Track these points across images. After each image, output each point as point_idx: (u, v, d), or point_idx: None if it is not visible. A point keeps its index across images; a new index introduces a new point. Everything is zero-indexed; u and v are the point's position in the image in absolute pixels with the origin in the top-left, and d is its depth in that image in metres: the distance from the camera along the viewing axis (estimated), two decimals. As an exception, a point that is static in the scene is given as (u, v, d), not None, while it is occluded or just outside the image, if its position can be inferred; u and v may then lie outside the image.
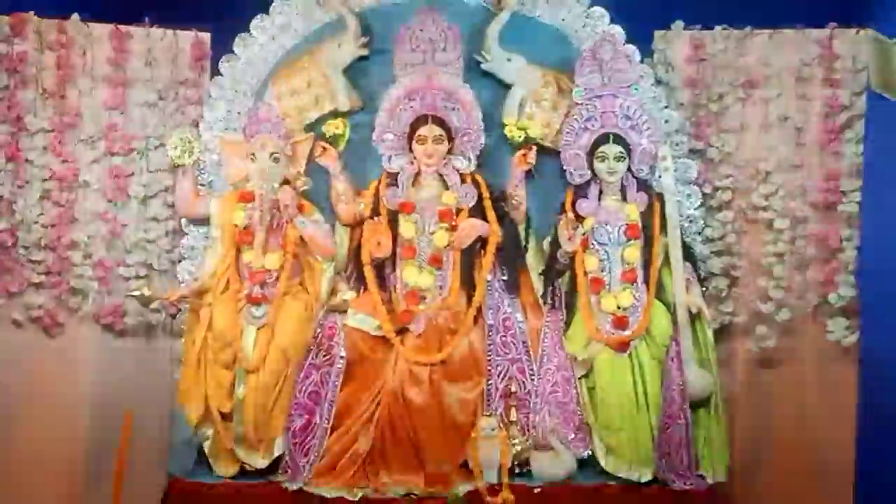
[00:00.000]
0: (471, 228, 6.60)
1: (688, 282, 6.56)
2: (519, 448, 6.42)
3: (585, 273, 6.59)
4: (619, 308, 6.51)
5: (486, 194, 6.70)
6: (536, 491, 6.31)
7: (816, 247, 6.99)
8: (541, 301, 6.71)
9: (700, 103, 7.10)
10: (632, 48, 6.87)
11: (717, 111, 7.09)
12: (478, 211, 6.66)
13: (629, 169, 6.69)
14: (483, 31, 6.96)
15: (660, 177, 6.68)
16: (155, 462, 6.75)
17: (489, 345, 6.54)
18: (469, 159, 6.74)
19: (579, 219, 6.63)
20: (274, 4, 7.03)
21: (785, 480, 6.95)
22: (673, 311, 6.53)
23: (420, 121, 6.69)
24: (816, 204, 7.01)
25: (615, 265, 6.58)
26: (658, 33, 7.15)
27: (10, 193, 6.93)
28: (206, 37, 7.16)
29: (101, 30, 7.08)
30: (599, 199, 6.69)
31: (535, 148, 6.69)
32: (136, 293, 6.58)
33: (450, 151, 6.71)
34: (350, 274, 6.73)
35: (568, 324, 6.62)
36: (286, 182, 6.64)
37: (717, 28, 7.10)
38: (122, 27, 7.09)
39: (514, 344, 6.59)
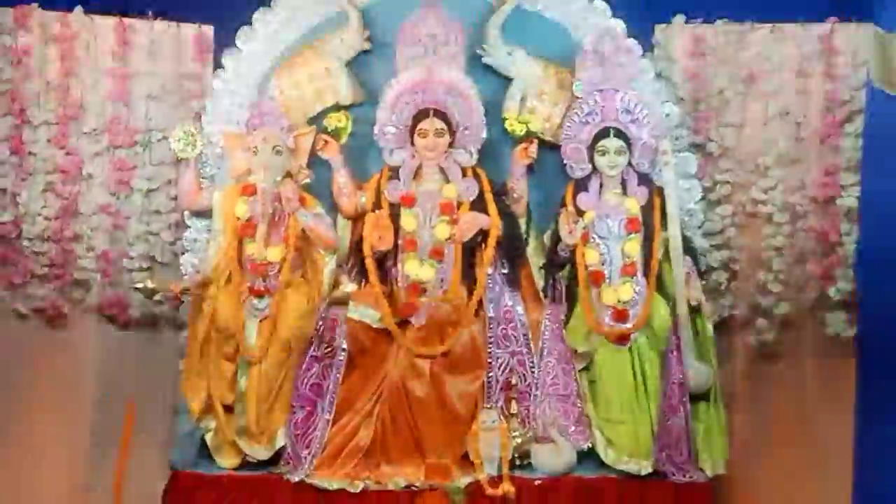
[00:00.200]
0: (472, 222, 6.61)
1: (688, 275, 6.59)
2: (519, 440, 6.43)
3: (586, 266, 6.60)
4: (619, 301, 6.52)
5: (487, 188, 6.70)
6: (537, 483, 6.33)
7: (815, 241, 7.01)
8: (541, 294, 6.74)
9: (700, 98, 7.12)
10: (633, 42, 6.89)
11: (718, 105, 7.11)
12: (479, 204, 6.67)
13: (630, 163, 6.69)
14: (484, 25, 6.97)
15: (660, 171, 6.71)
16: (157, 453, 6.77)
17: (490, 337, 6.56)
18: (470, 153, 6.75)
19: (580, 212, 6.63)
20: (277, -3, 7.05)
21: (784, 473, 6.96)
22: (673, 304, 6.56)
23: (421, 114, 6.69)
24: (816, 198, 7.02)
25: (615, 259, 6.60)
26: (659, 27, 7.17)
27: (13, 185, 6.95)
28: (209, 30, 7.19)
29: (105, 22, 7.10)
30: (600, 193, 6.69)
31: (535, 141, 6.70)
32: (140, 285, 6.60)
33: (451, 145, 6.72)
34: (351, 267, 6.74)
35: (568, 317, 6.63)
36: (288, 175, 6.66)
37: (718, 22, 7.11)
38: (126, 20, 7.11)
39: (515, 337, 6.61)
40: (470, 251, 6.64)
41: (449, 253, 6.60)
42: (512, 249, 6.73)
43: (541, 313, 6.66)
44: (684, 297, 6.54)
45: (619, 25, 6.93)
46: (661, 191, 6.66)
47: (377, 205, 6.68)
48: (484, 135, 6.77)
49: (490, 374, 6.53)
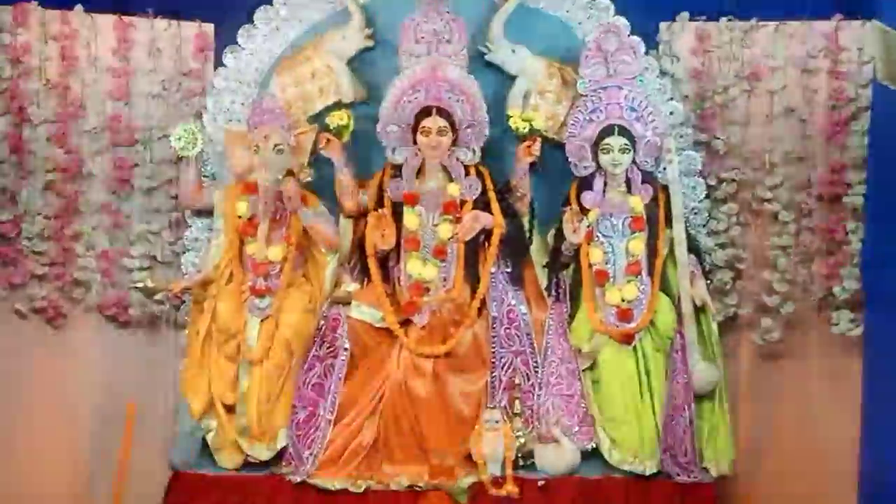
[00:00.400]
0: (475, 220, 6.58)
1: (692, 274, 6.58)
2: (523, 440, 6.40)
3: (590, 265, 6.59)
4: (623, 300, 6.51)
5: (490, 186, 6.68)
6: (540, 483, 6.31)
7: (821, 239, 6.97)
8: (545, 293, 6.70)
9: (705, 95, 7.08)
10: (637, 40, 6.86)
11: (723, 103, 7.07)
12: (482, 203, 6.64)
13: (634, 161, 6.67)
14: (487, 23, 6.94)
15: (664, 169, 6.69)
16: (158, 454, 6.72)
17: (493, 337, 6.53)
18: (473, 151, 6.72)
19: (584, 211, 6.62)
20: (278, -5, 7.02)
21: (789, 473, 6.92)
22: (677, 303, 6.54)
23: (424, 112, 6.66)
24: (821, 196, 6.98)
25: (620, 257, 6.58)
26: (663, 25, 7.13)
27: (13, 184, 6.91)
28: (210, 27, 7.16)
29: (105, 20, 7.07)
30: (604, 192, 6.67)
31: (539, 140, 6.66)
32: (140, 285, 6.62)
33: (454, 143, 6.69)
34: (354, 266, 6.72)
35: (572, 316, 6.62)
36: (290, 173, 6.61)
37: (723, 20, 7.07)
38: (126, 18, 7.08)
39: (518, 336, 6.57)
40: (473, 250, 6.61)
41: (452, 252, 6.57)
42: (515, 248, 6.70)
43: (544, 312, 6.63)
44: (689, 296, 6.51)
45: (623, 22, 6.90)
46: (665, 189, 6.64)
47: (379, 203, 6.65)
48: (487, 133, 6.74)
49: (493, 374, 6.50)
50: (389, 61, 6.90)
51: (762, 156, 7.04)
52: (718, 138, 7.05)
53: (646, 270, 6.56)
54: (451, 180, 6.66)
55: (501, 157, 6.85)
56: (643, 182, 6.65)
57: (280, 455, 6.43)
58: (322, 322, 6.51)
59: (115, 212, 7.04)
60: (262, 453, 6.42)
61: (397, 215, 6.59)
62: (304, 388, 6.44)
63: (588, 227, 6.58)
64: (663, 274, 6.59)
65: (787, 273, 6.99)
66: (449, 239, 6.56)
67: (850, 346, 6.87)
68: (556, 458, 6.39)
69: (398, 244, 6.59)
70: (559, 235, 6.64)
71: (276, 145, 6.60)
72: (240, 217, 6.57)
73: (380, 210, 6.60)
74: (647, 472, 6.36)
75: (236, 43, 6.99)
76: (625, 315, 6.49)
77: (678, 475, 6.37)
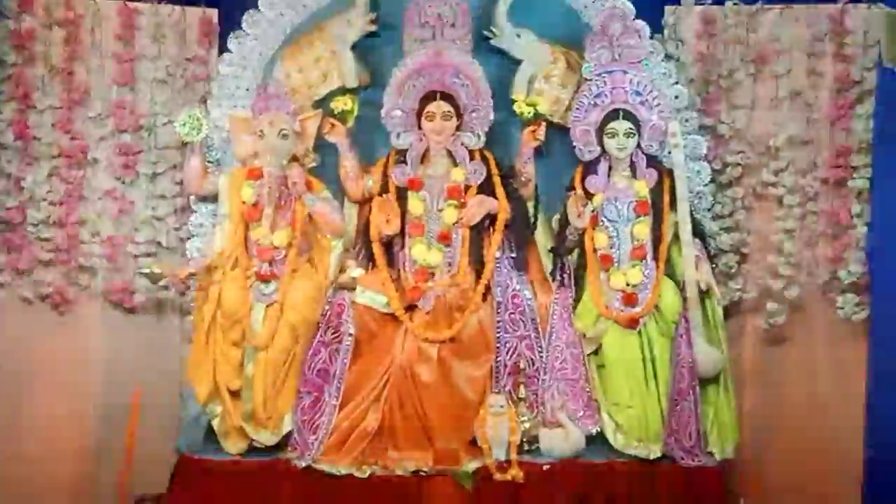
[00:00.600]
0: (479, 205, 6.59)
1: (697, 258, 6.55)
2: (528, 425, 6.41)
3: (595, 250, 6.59)
4: (628, 285, 6.51)
5: (494, 171, 6.68)
6: (545, 468, 6.31)
7: (826, 223, 6.97)
8: (549, 278, 6.70)
9: (710, 79, 7.07)
10: (642, 24, 6.84)
11: (728, 87, 7.07)
12: (487, 188, 6.64)
13: (639, 145, 6.67)
14: (492, 7, 6.93)
15: (669, 153, 6.66)
16: (164, 439, 6.72)
17: (498, 322, 6.53)
18: (478, 136, 6.72)
19: (588, 195, 6.62)
20: (282, -20, 7.02)
21: (794, 456, 6.94)
22: (682, 287, 6.53)
23: (429, 97, 6.67)
24: (827, 180, 6.98)
25: (624, 242, 6.58)
26: (668, 9, 7.13)
27: (18, 171, 6.92)
28: (214, 13, 7.16)
29: (109, 6, 7.07)
30: (609, 176, 6.67)
31: (544, 124, 6.66)
32: (145, 270, 6.58)
33: (458, 128, 6.69)
34: (359, 251, 6.71)
35: (577, 301, 6.60)
36: (294, 159, 6.63)
37: (728, 3, 7.06)
38: (130, 3, 7.08)
39: (523, 321, 6.56)
40: (478, 235, 6.61)
41: (456, 237, 6.58)
42: (520, 233, 6.70)
43: (549, 297, 6.62)
44: (694, 280, 6.49)
45: (628, 6, 6.88)
46: (670, 173, 6.62)
47: (384, 188, 6.66)
48: (492, 117, 6.74)
49: (498, 359, 6.51)
50: (394, 46, 6.91)
51: (767, 140, 7.04)
52: (723, 122, 7.06)
53: (650, 255, 6.56)
54: (455, 165, 6.67)
55: (506, 141, 6.85)
56: (648, 166, 6.65)
57: (285, 440, 6.43)
58: (327, 307, 6.51)
59: (121, 198, 7.05)
60: (268, 438, 6.42)
61: (402, 200, 6.60)
62: (310, 373, 6.44)
63: (593, 211, 6.58)
64: (668, 258, 6.59)
65: (792, 257, 7.00)
66: (454, 224, 6.57)
67: (855, 329, 6.89)
68: (561, 442, 6.39)
69: (403, 229, 6.59)
70: (564, 220, 6.64)
71: (280, 131, 6.59)
72: (244, 202, 6.55)
73: (384, 195, 6.61)
74: (652, 457, 6.37)
75: (241, 28, 6.98)
76: (629, 299, 6.49)
77: (683, 459, 6.37)
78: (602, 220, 6.61)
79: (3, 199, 6.89)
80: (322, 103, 6.87)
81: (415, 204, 6.60)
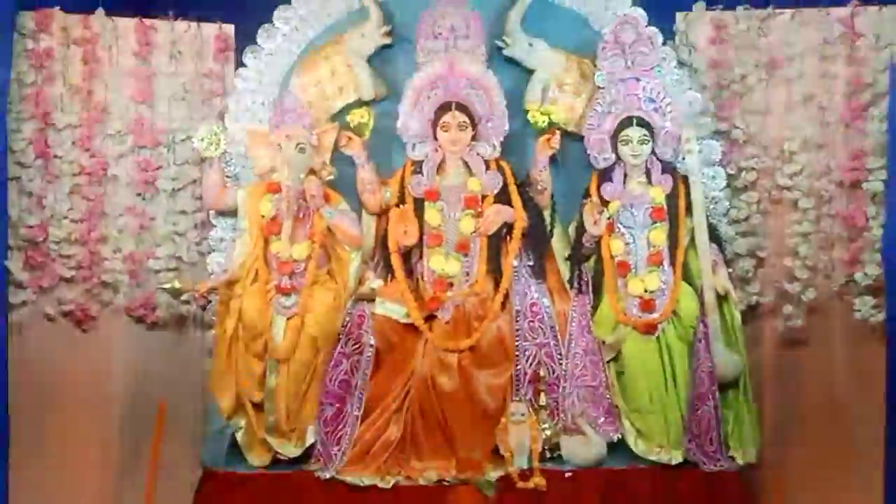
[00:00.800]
0: (496, 214, 6.61)
1: (714, 263, 6.58)
2: (549, 433, 6.43)
3: (612, 257, 6.61)
4: (645, 291, 6.53)
5: (510, 180, 6.70)
6: (567, 475, 6.35)
7: (842, 226, 6.98)
8: (567, 286, 6.72)
9: (723, 84, 7.11)
10: (654, 31, 6.87)
11: (741, 92, 7.09)
12: (503, 197, 6.67)
13: (653, 152, 6.69)
14: (505, 17, 6.96)
15: (684, 159, 6.70)
16: (188, 453, 6.79)
17: (517, 330, 6.55)
18: (493, 145, 6.75)
19: (604, 203, 6.65)
20: (296, -6, 7.05)
21: (815, 460, 6.94)
22: (700, 292, 6.55)
23: (444, 108, 6.70)
24: (842, 182, 6.99)
25: (641, 248, 6.60)
26: (680, 15, 7.16)
27: (39, 189, 6.97)
28: (230, 28, 7.21)
29: (126, 23, 7.12)
30: (624, 183, 6.70)
31: (558, 133, 6.67)
32: (167, 286, 6.62)
33: (474, 138, 6.72)
34: (377, 262, 6.75)
35: (595, 308, 6.63)
36: (312, 172, 6.65)
37: (739, 8, 7.10)
38: (147, 20, 7.13)
39: (542, 329, 6.59)
40: (495, 244, 6.64)
41: (474, 246, 6.61)
42: (537, 241, 6.73)
43: (567, 305, 6.64)
44: (711, 285, 6.52)
45: (640, 14, 6.91)
46: (685, 179, 6.65)
47: (401, 200, 6.69)
48: (506, 127, 6.77)
49: (518, 367, 6.53)
50: (408, 58, 6.94)
51: (781, 144, 7.06)
52: (737, 127, 7.08)
53: (667, 260, 6.58)
54: (471, 175, 6.70)
55: (521, 151, 6.88)
56: (663, 172, 6.67)
57: (308, 452, 6.47)
58: (347, 319, 6.54)
59: (141, 214, 7.10)
60: (291, 450, 6.46)
61: (419, 211, 6.63)
62: (331, 384, 6.47)
63: (609, 218, 6.60)
64: (685, 263, 6.61)
65: (808, 260, 7.01)
66: (471, 233, 6.60)
67: (872, 331, 6.88)
68: (583, 449, 6.42)
69: (421, 240, 6.62)
70: (580, 228, 6.67)
71: (297, 144, 6.62)
72: (263, 216, 6.59)
73: (402, 206, 6.64)
74: (673, 462, 6.40)
75: (256, 43, 7.03)
76: (647, 305, 6.52)
77: (704, 464, 6.40)
78: (618, 227, 6.64)
79: (25, 218, 6.94)
80: (338, 116, 6.91)
81: (432, 214, 6.63)
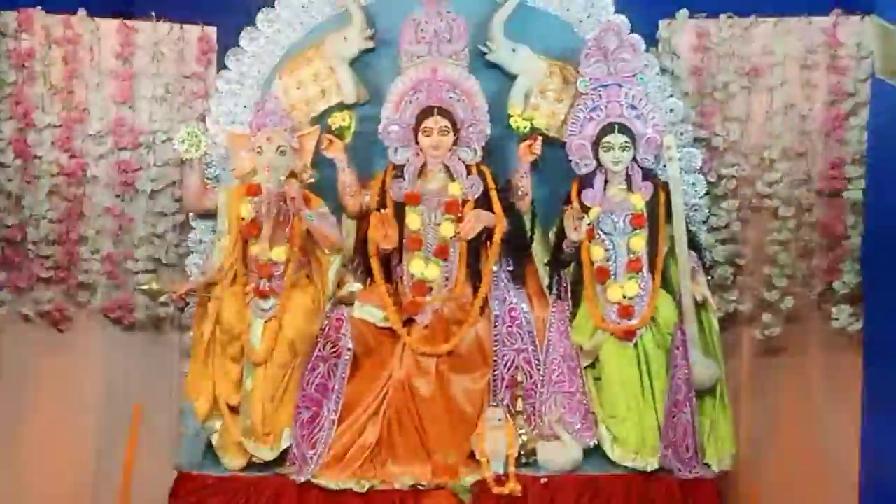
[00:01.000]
0: (477, 219, 6.60)
1: (693, 270, 6.58)
2: (525, 438, 6.43)
3: (591, 263, 6.60)
4: (624, 297, 6.53)
5: (491, 185, 6.69)
6: (543, 481, 6.32)
7: (821, 234, 6.98)
8: (546, 291, 6.72)
9: (705, 92, 7.10)
10: (636, 37, 6.86)
11: (722, 100, 7.09)
12: (484, 202, 6.66)
13: (634, 158, 6.69)
14: (488, 22, 6.95)
15: (665, 166, 6.69)
16: (163, 455, 6.75)
17: (495, 335, 6.55)
18: (475, 150, 6.74)
19: (585, 209, 6.63)
20: (279, -3, 7.05)
21: (791, 467, 6.96)
22: (678, 299, 6.55)
23: (426, 112, 6.69)
24: (821, 191, 7.00)
25: (621, 255, 6.60)
26: (662, 22, 7.15)
27: (18, 189, 6.95)
28: (213, 30, 7.19)
29: (108, 24, 7.10)
30: (605, 189, 6.69)
31: (540, 138, 6.68)
32: (145, 287, 6.62)
33: (455, 143, 6.71)
34: (357, 266, 6.75)
35: (574, 314, 6.64)
36: (293, 175, 6.63)
37: (722, 16, 7.09)
38: (129, 21, 7.12)
39: (520, 334, 6.59)
40: (475, 249, 6.63)
41: (454, 251, 6.60)
42: (517, 247, 6.73)
43: (546, 310, 6.64)
44: (690, 292, 6.52)
45: (623, 21, 6.90)
46: (665, 186, 6.64)
47: (382, 204, 6.67)
48: (488, 132, 6.76)
49: (496, 372, 6.53)
50: (391, 62, 6.93)
51: (762, 152, 7.06)
52: (718, 135, 7.08)
53: (647, 267, 6.58)
54: (452, 180, 6.68)
55: (503, 156, 6.88)
56: (644, 179, 6.67)
57: (284, 455, 6.45)
58: (325, 322, 6.54)
59: (120, 215, 7.07)
60: (267, 454, 6.44)
61: (399, 215, 6.62)
62: (308, 388, 6.46)
63: (589, 225, 6.59)
64: (664, 270, 6.61)
65: (787, 268, 7.02)
66: (451, 238, 6.59)
67: (850, 340, 6.88)
68: (559, 455, 6.41)
69: (401, 244, 6.61)
70: (560, 234, 6.66)
71: (278, 147, 6.62)
72: (243, 219, 6.58)
73: (382, 210, 6.62)
74: (649, 469, 6.38)
75: (239, 45, 7.02)
76: (626, 312, 6.51)
77: (680, 471, 6.38)
78: (598, 234, 6.63)
79: (4, 217, 6.92)
80: (320, 119, 6.90)
81: (412, 219, 6.62)
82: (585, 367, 6.56)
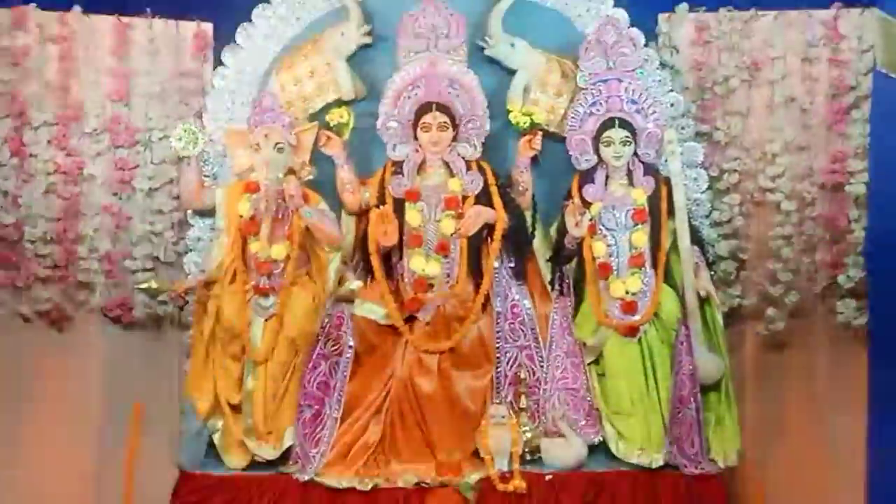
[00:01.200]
0: (477, 215, 6.58)
1: (696, 266, 6.57)
2: (529, 435, 6.42)
3: (593, 258, 6.58)
4: (627, 293, 6.51)
5: (491, 181, 6.67)
6: (548, 478, 6.31)
7: (824, 228, 6.97)
8: (548, 287, 6.71)
9: (705, 86, 7.09)
10: (636, 32, 6.87)
11: (723, 94, 7.08)
12: (484, 198, 6.64)
13: (635, 153, 6.68)
14: (486, 17, 6.92)
15: (666, 160, 6.67)
16: (165, 454, 6.72)
17: (497, 332, 6.55)
18: (474, 146, 6.72)
19: (586, 204, 6.62)
20: (276, -7, 7.01)
21: (796, 462, 6.95)
22: (681, 295, 6.53)
23: (424, 108, 6.66)
24: (824, 185, 6.99)
25: (623, 250, 6.58)
26: (662, 16, 7.15)
27: (15, 188, 6.91)
28: (209, 27, 7.15)
29: (103, 21, 7.07)
30: (606, 184, 6.67)
31: (540, 133, 6.68)
32: (143, 286, 6.61)
33: (455, 138, 6.69)
34: (357, 263, 6.71)
35: (576, 310, 6.62)
36: (291, 172, 6.62)
37: (722, 10, 7.09)
38: (124, 18, 7.08)
39: (523, 331, 6.59)
40: (476, 245, 6.61)
41: (455, 247, 6.58)
42: (518, 243, 6.71)
43: (548, 307, 6.65)
44: (693, 287, 6.50)
45: (623, 15, 6.91)
46: (667, 181, 6.63)
47: (381, 200, 6.65)
48: (487, 127, 6.75)
49: (498, 369, 6.53)
50: (388, 58, 6.90)
51: (763, 146, 7.05)
52: (719, 129, 7.07)
53: (649, 262, 6.56)
54: (452, 176, 6.66)
55: (502, 151, 6.86)
56: (645, 174, 6.65)
57: (287, 454, 6.42)
58: (326, 320, 6.51)
59: (117, 213, 7.03)
60: (269, 453, 6.42)
61: (399, 212, 6.59)
62: (310, 386, 6.44)
63: (590, 220, 6.58)
64: (667, 266, 6.59)
65: (790, 263, 7.01)
66: (451, 234, 6.57)
67: (854, 334, 6.89)
68: (563, 452, 6.39)
69: (401, 241, 6.58)
70: (562, 229, 6.64)
71: (276, 144, 6.59)
72: (242, 216, 6.55)
73: (382, 207, 6.59)
74: (654, 465, 6.37)
75: (235, 42, 6.99)
76: (629, 307, 6.49)
77: (685, 467, 6.37)
78: (600, 229, 6.61)
79: (1, 217, 6.87)
80: (318, 116, 6.87)
81: (412, 215, 6.59)
82: (589, 364, 6.54)
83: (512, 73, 6.94)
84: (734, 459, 6.52)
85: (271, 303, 6.46)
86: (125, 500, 6.52)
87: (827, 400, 6.98)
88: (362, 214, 6.74)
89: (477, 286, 6.55)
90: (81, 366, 7.03)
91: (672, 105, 6.89)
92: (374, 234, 6.57)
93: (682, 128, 6.89)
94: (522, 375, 6.51)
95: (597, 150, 6.68)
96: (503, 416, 6.34)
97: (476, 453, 6.36)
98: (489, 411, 6.37)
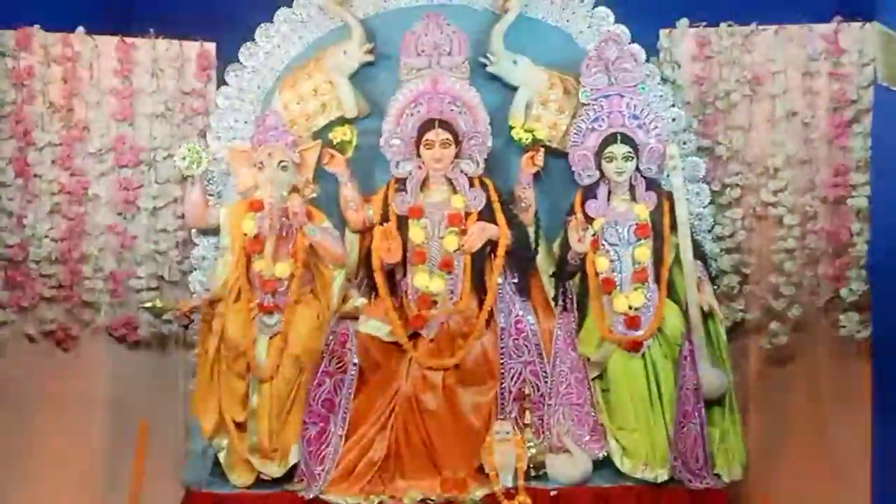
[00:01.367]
0: (480, 232, 6.59)
1: (699, 280, 6.57)
2: (534, 451, 6.41)
3: (596, 274, 6.58)
4: (630, 308, 6.51)
5: (494, 197, 6.68)
6: (553, 494, 6.31)
7: (827, 242, 6.98)
8: (552, 303, 6.72)
9: (707, 101, 7.10)
10: (637, 47, 6.88)
11: (724, 108, 7.09)
12: (487, 214, 6.65)
13: (637, 168, 6.68)
14: (488, 34, 6.94)
15: (668, 175, 6.68)
16: (170, 473, 6.73)
17: (501, 348, 6.55)
18: (477, 163, 6.73)
19: (589, 220, 6.63)
20: (278, 13, 7.01)
21: (800, 476, 6.93)
22: (685, 309, 6.53)
23: (427, 125, 6.68)
24: (826, 199, 7.00)
25: (626, 265, 6.58)
26: (663, 32, 7.15)
27: (19, 208, 6.95)
28: (212, 47, 7.18)
29: (107, 42, 7.10)
30: (608, 200, 6.68)
31: (542, 150, 6.69)
32: (148, 305, 6.63)
33: (457, 155, 6.70)
34: (361, 280, 6.73)
35: (580, 325, 6.62)
36: (295, 190, 6.63)
37: (723, 25, 7.09)
38: (128, 39, 7.11)
39: (527, 346, 6.59)
40: (479, 262, 6.62)
41: (458, 264, 6.59)
42: (521, 259, 6.71)
43: (552, 322, 6.65)
44: (696, 302, 6.51)
45: (624, 31, 6.91)
46: (669, 196, 6.64)
47: (385, 217, 6.66)
48: (490, 144, 6.77)
49: (503, 385, 6.52)
50: (391, 75, 6.93)
51: (765, 160, 7.06)
52: (721, 143, 7.08)
53: (652, 277, 6.56)
54: (455, 192, 6.68)
55: (505, 168, 6.87)
56: (647, 189, 6.66)
57: (292, 472, 6.42)
58: (331, 337, 6.52)
59: (122, 233, 7.06)
60: (274, 471, 6.42)
61: (403, 229, 6.60)
62: (315, 403, 6.45)
63: (593, 235, 6.58)
64: (670, 280, 6.59)
65: (793, 276, 7.01)
66: (455, 251, 6.57)
67: (858, 347, 6.89)
68: (568, 467, 6.39)
69: (404, 258, 6.59)
70: (565, 245, 6.64)
71: (280, 162, 6.60)
72: (246, 235, 6.56)
73: (385, 224, 6.60)
74: (659, 480, 6.36)
75: (238, 61, 7.01)
76: (632, 322, 6.49)
77: (690, 482, 6.37)
78: (603, 244, 6.61)
79: (6, 237, 6.92)
80: (321, 134, 6.88)
81: (416, 232, 6.60)
82: (593, 379, 6.54)
83: (514, 89, 6.95)
84: (739, 474, 6.52)
85: (276, 321, 6.47)
86: (131, 520, 6.54)
87: (831, 413, 6.97)
88: (366, 232, 6.76)
89: (480, 302, 6.56)
90: (87, 385, 7.04)
91: (674, 120, 6.90)
92: (377, 251, 6.57)
93: (684, 143, 6.90)
94: (527, 391, 6.51)
95: (599, 166, 6.69)
96: (508, 432, 6.33)
97: (481, 469, 6.34)
98: (494, 427, 6.36)
